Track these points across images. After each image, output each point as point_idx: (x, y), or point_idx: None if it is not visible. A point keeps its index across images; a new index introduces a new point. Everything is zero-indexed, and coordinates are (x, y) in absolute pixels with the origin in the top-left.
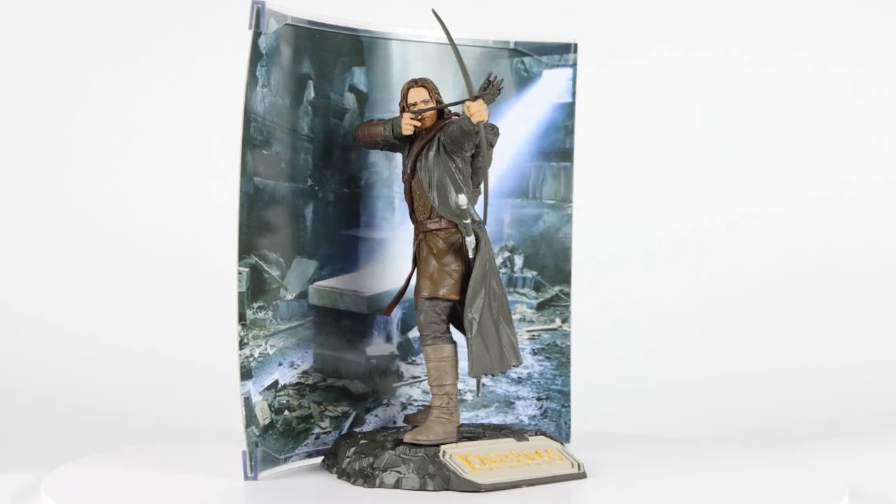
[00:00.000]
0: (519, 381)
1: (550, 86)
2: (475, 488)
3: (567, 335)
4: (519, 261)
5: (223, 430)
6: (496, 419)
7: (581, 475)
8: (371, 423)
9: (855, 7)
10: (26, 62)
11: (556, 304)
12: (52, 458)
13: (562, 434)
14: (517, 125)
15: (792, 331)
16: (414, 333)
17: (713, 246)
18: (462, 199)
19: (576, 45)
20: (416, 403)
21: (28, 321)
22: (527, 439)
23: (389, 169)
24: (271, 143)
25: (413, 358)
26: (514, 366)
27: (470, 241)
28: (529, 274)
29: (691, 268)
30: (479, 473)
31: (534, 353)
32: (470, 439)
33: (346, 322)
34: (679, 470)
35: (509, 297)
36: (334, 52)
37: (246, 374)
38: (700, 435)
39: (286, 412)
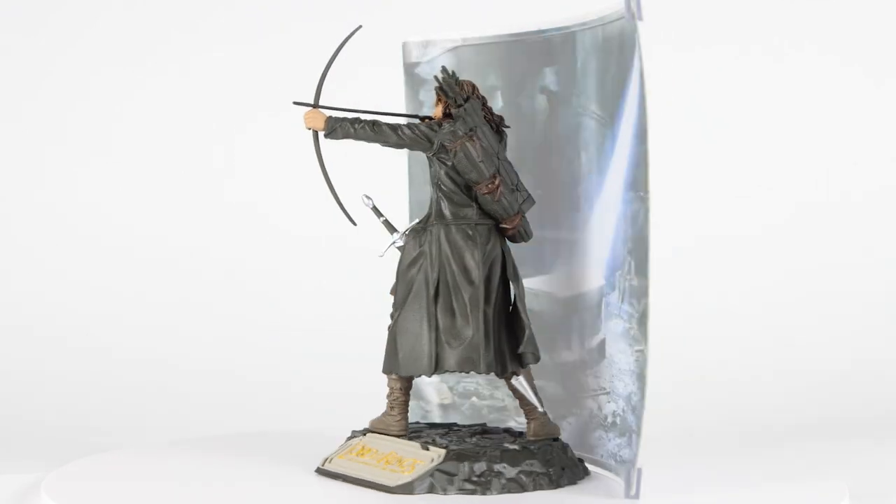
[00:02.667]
0: (634, 410)
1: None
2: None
3: (642, 357)
4: (633, 266)
5: (223, 430)
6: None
7: (389, 490)
8: (565, 429)
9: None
10: (25, 62)
11: (645, 321)
12: (52, 458)
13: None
14: (630, 103)
15: (791, 330)
16: (590, 343)
17: (712, 246)
18: (365, 200)
19: None
20: (608, 419)
21: (28, 321)
22: (427, 448)
23: (569, 172)
24: None
25: (589, 370)
26: (435, 373)
27: (393, 238)
28: (636, 282)
29: (691, 267)
30: (340, 461)
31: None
32: (401, 437)
33: (541, 323)
34: (679, 471)
35: (629, 309)
36: (527, 57)
37: None
38: (699, 434)
39: (474, 398)
